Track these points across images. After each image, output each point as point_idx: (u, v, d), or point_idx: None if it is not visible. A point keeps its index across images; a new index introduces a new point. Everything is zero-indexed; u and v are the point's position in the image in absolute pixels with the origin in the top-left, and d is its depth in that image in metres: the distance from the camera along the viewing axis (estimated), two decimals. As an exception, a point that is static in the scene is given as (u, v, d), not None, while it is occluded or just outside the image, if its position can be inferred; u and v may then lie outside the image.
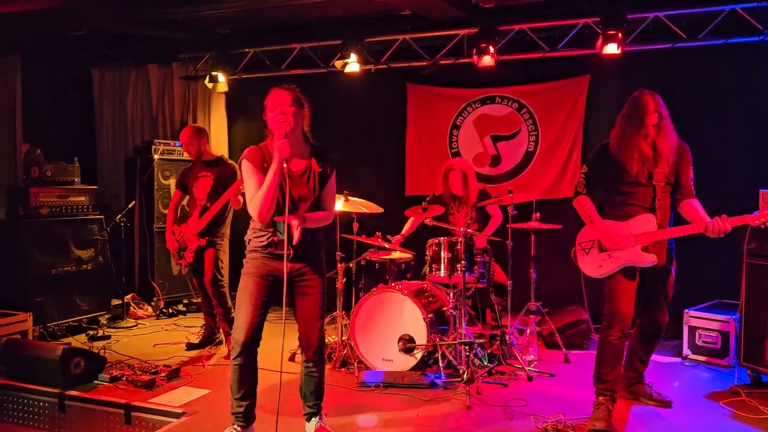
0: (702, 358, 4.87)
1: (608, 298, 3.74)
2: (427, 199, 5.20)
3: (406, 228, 5.59)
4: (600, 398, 3.69)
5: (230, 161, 5.22)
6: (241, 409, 3.34)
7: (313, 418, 3.49)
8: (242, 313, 3.29)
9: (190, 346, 5.29)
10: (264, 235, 3.32)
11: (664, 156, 3.64)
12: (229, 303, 5.07)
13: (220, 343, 5.30)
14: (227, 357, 4.81)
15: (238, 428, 3.34)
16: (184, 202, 5.35)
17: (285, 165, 3.17)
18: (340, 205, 4.79)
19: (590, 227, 3.84)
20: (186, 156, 5.48)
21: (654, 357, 3.73)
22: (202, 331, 5.43)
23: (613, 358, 3.69)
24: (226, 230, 5.21)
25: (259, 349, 3.35)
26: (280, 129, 3.22)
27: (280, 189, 3.19)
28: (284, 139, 3.18)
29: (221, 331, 5.25)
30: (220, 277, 5.08)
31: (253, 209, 3.25)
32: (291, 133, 3.25)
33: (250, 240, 3.38)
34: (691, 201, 3.71)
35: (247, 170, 3.29)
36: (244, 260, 3.39)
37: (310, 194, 3.33)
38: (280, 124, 3.23)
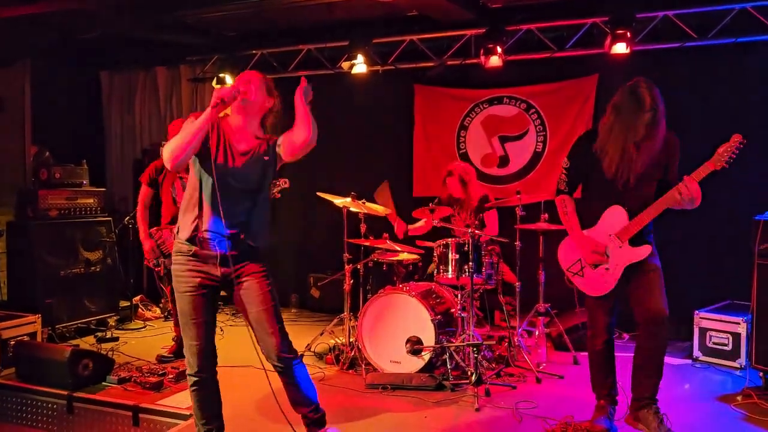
0: (713, 360, 4.82)
1: (588, 309, 3.64)
2: (434, 201, 5.19)
3: (418, 224, 5.46)
4: (601, 401, 3.63)
5: None
6: None
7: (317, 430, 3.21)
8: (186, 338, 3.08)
9: (162, 360, 4.89)
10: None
11: (646, 158, 3.29)
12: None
13: None
14: None
15: None
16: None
17: (221, 108, 2.84)
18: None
19: (566, 243, 3.59)
20: None
21: (665, 359, 3.60)
22: (173, 343, 5.04)
23: (606, 364, 3.60)
24: None
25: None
26: (239, 95, 2.90)
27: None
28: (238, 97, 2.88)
29: None
30: None
31: (167, 152, 2.84)
32: (247, 106, 2.96)
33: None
34: None
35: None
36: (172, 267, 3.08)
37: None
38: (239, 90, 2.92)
